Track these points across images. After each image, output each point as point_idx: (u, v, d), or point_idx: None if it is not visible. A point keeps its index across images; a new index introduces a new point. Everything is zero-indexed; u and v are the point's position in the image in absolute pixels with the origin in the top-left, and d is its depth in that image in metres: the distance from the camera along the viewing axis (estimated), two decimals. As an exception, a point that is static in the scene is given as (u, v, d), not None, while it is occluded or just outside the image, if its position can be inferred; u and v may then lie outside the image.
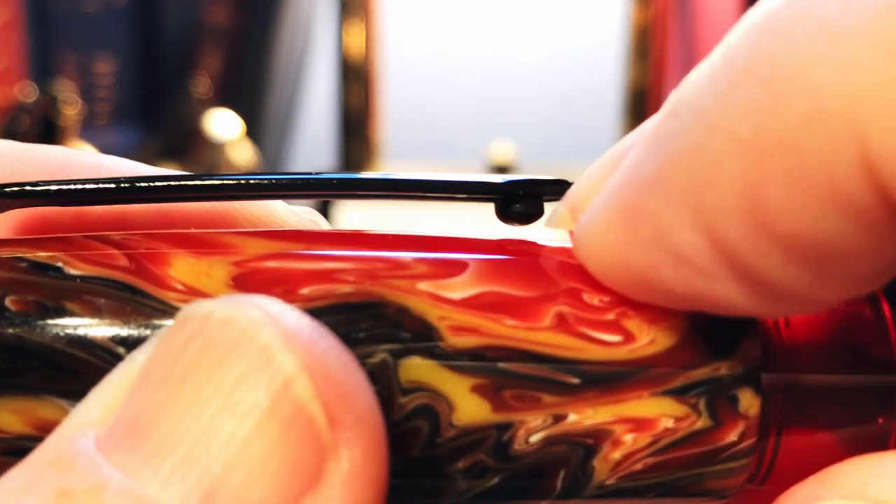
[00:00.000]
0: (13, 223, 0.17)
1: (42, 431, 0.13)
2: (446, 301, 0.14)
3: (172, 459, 0.11)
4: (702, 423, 0.14)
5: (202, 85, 0.97)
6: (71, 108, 0.86)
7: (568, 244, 0.14)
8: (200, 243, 0.14)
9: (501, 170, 0.99)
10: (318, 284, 0.14)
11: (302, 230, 0.15)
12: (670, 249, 0.12)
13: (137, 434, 0.12)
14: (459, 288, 0.14)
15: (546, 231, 0.15)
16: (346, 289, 0.14)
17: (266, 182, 0.15)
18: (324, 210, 0.87)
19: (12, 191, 0.15)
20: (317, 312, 0.13)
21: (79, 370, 0.13)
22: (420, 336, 0.13)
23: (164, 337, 0.12)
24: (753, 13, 0.12)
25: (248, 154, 0.89)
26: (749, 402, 0.14)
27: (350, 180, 0.16)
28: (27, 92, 0.87)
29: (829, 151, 0.11)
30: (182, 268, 0.14)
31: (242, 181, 0.15)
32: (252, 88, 0.98)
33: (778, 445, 0.14)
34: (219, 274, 0.14)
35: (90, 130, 0.92)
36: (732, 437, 0.14)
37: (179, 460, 0.11)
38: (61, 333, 0.13)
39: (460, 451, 0.13)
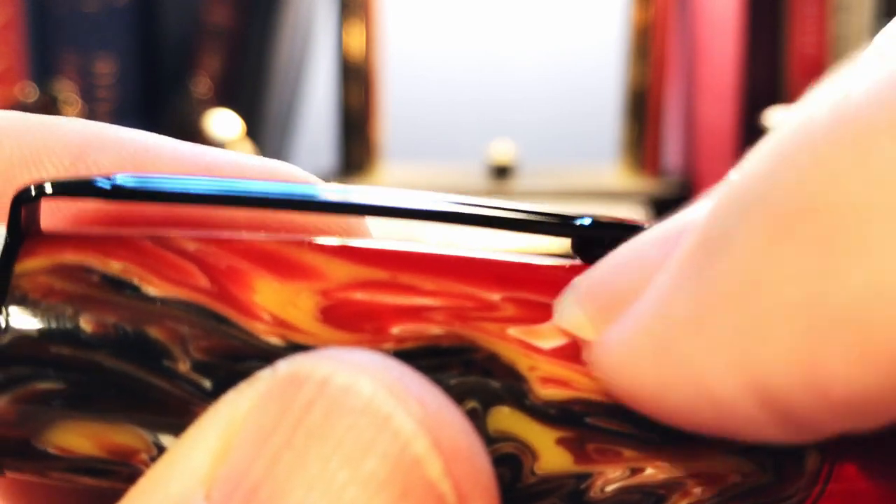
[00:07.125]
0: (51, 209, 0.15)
1: (114, 455, 0.13)
2: (536, 350, 0.13)
3: None
4: (766, 478, 0.14)
5: (202, 85, 0.97)
6: (71, 108, 0.86)
7: None
8: (281, 263, 0.14)
9: (501, 170, 0.99)
10: (407, 323, 0.13)
11: (380, 250, 0.14)
12: (710, 396, 0.11)
13: None
14: (549, 336, 0.13)
15: None
16: (436, 330, 0.13)
17: (405, 209, 0.14)
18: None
19: (144, 191, 0.14)
20: (408, 355, 0.13)
21: (160, 400, 0.13)
22: (509, 386, 0.13)
23: (276, 394, 0.12)
24: (782, 138, 0.10)
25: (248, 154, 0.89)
26: (812, 460, 0.14)
27: (431, 212, 0.15)
28: (27, 92, 0.87)
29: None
30: (267, 294, 0.13)
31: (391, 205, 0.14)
32: (252, 88, 0.98)
33: (822, 494, 0.14)
34: (306, 305, 0.13)
35: (90, 130, 0.92)
36: (790, 491, 0.14)
37: None
38: (142, 361, 0.13)
39: (536, 497, 0.13)
